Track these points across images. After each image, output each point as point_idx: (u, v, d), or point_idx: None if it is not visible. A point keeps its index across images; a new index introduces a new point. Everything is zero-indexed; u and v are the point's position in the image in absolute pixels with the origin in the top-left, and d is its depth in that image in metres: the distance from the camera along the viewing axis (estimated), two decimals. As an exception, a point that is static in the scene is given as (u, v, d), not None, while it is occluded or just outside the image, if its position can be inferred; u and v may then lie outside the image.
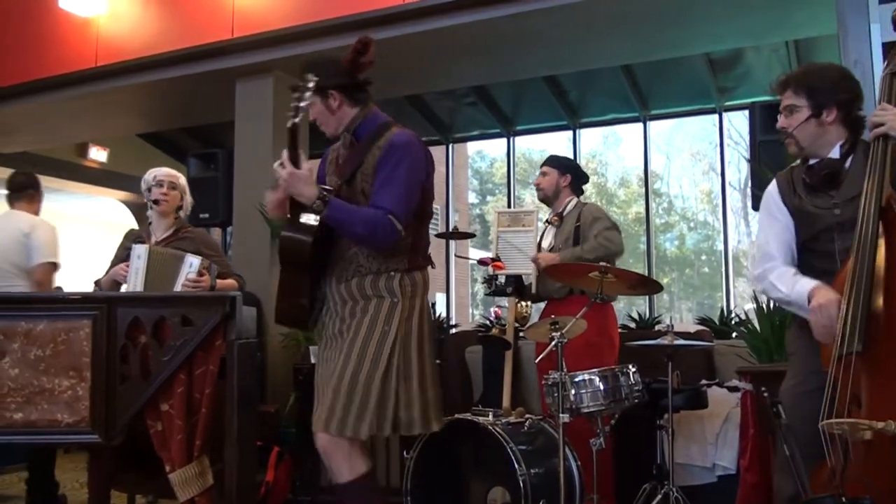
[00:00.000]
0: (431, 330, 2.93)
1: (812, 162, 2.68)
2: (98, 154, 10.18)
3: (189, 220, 6.20)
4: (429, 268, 2.97)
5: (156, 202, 4.01)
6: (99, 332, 3.17)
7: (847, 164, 2.62)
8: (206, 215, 6.29)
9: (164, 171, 4.10)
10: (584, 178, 4.52)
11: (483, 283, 4.15)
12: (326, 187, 2.81)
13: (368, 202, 2.78)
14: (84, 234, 13.81)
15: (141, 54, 6.49)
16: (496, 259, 4.12)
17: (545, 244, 4.41)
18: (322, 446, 2.77)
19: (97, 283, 4.05)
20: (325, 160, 3.09)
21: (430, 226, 3.04)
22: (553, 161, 4.50)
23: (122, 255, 4.00)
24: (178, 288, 3.76)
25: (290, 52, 5.87)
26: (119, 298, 3.31)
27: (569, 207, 4.41)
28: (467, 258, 7.83)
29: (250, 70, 6.21)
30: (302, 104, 2.74)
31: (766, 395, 2.57)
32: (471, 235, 5.15)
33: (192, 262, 3.79)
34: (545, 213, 4.69)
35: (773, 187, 2.74)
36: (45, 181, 10.56)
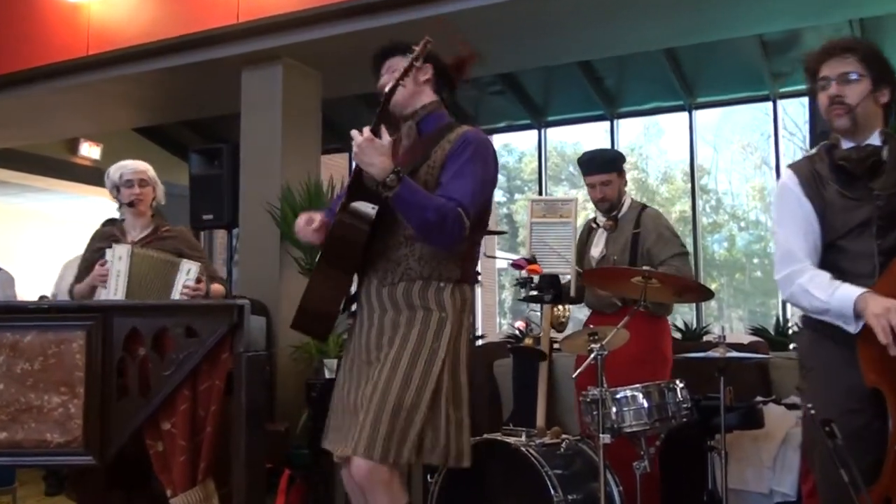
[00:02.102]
0: (471, 351, 2.89)
1: (847, 147, 2.59)
2: (90, 150, 10.29)
3: (191, 221, 6.31)
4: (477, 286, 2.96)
5: (130, 204, 4.02)
6: (93, 343, 3.19)
7: (884, 153, 2.57)
8: (210, 216, 6.32)
9: (129, 168, 4.08)
10: (625, 162, 4.44)
11: (516, 286, 4.06)
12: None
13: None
14: (74, 237, 13.94)
15: (137, 42, 6.55)
16: (531, 261, 4.02)
17: (595, 252, 4.31)
18: (360, 475, 2.68)
19: (70, 293, 4.06)
20: None
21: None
22: (611, 164, 4.30)
23: (94, 259, 4.00)
24: (175, 297, 3.79)
25: (299, 37, 5.90)
26: (116, 308, 3.32)
27: (624, 209, 4.30)
28: (497, 257, 7.73)
29: (257, 57, 6.25)
30: (417, 63, 2.74)
31: (812, 412, 2.50)
32: (501, 232, 5.07)
33: (190, 269, 3.81)
34: (583, 200, 4.58)
35: (789, 179, 2.62)
36: (32, 180, 10.80)
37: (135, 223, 4.08)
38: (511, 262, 4.09)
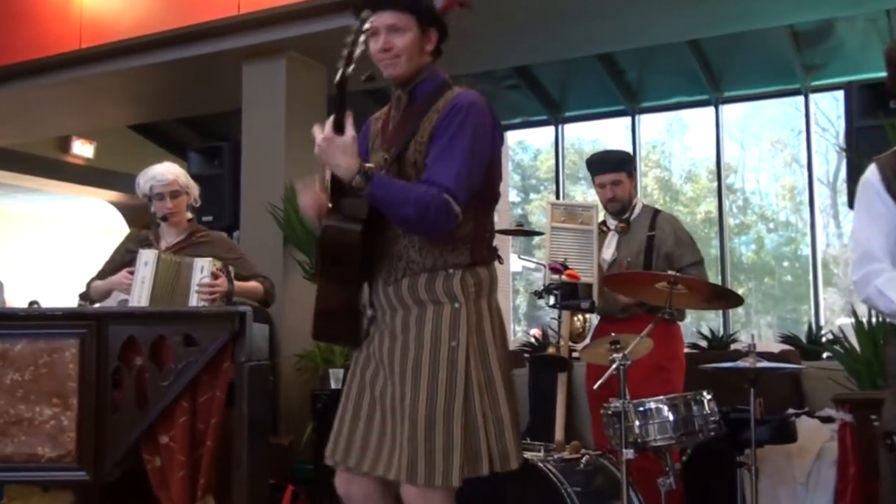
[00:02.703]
0: (505, 335, 2.75)
1: None
2: (83, 149, 10.32)
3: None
4: (496, 263, 2.80)
5: (163, 219, 4.04)
6: (87, 353, 3.21)
7: None
8: (209, 218, 6.32)
9: (159, 180, 4.03)
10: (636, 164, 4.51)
11: (544, 293, 4.01)
12: (369, 164, 2.61)
13: (420, 177, 2.63)
14: (66, 239, 14.02)
15: (132, 34, 6.56)
16: (566, 266, 3.98)
17: (606, 255, 4.33)
18: (410, 502, 2.60)
19: (88, 285, 4.06)
20: (367, 133, 2.90)
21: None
22: (623, 164, 4.38)
23: (123, 260, 4.02)
24: (192, 300, 3.77)
25: (304, 29, 5.91)
26: (111, 315, 3.35)
27: (636, 212, 4.36)
28: (528, 260, 7.67)
29: (259, 51, 6.26)
30: (358, 49, 2.53)
31: (875, 424, 2.49)
32: (538, 233, 4.96)
33: (203, 266, 3.81)
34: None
35: (873, 174, 2.59)
36: (22, 180, 10.85)
37: (170, 228, 4.11)
38: (549, 265, 4.03)
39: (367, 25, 2.56)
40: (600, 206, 4.44)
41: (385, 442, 2.63)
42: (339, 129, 2.55)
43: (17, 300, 10.88)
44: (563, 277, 3.93)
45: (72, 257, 11.03)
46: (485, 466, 2.58)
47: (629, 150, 7.96)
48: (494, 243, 2.83)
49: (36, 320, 3.33)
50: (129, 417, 3.20)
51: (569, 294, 3.92)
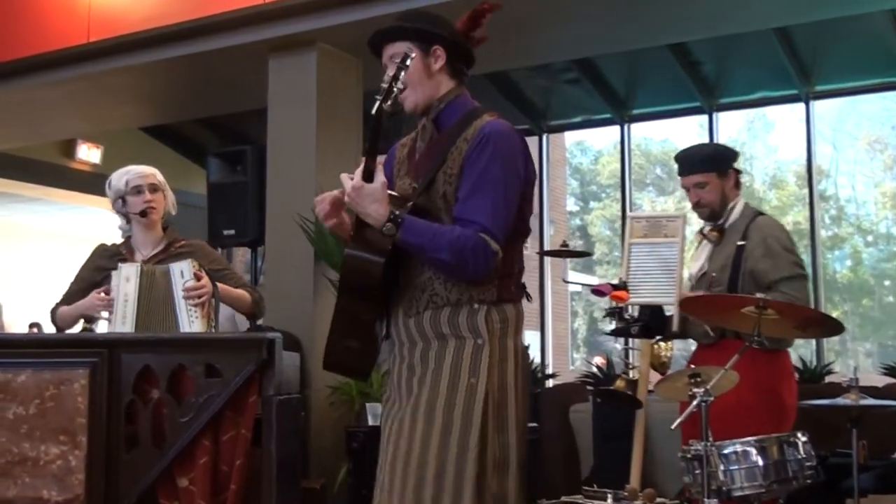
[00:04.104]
0: (526, 379, 2.90)
1: None
2: (89, 153, 10.50)
3: (209, 238, 6.38)
4: (524, 301, 2.93)
5: (143, 214, 4.03)
6: (98, 384, 3.24)
7: None
8: (231, 232, 6.38)
9: (136, 172, 4.10)
10: (738, 157, 4.36)
11: (606, 317, 4.01)
12: (393, 193, 2.78)
13: (450, 209, 2.78)
14: (70, 254, 14.17)
15: (145, 27, 6.65)
16: (619, 286, 3.98)
17: (694, 267, 4.26)
18: None
19: (52, 312, 4.06)
20: (392, 159, 3.08)
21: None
22: (709, 163, 4.22)
23: (94, 279, 4.03)
24: (181, 311, 3.78)
25: (338, 19, 5.96)
26: (124, 341, 3.38)
27: (734, 215, 4.19)
28: (573, 283, 7.70)
29: (287, 43, 6.32)
30: (402, 74, 2.66)
31: None
32: (585, 254, 5.04)
33: (183, 270, 3.82)
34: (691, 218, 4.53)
35: None
36: (22, 189, 11.02)
37: (145, 238, 4.10)
38: (593, 288, 4.04)
39: (409, 61, 2.69)
40: (691, 214, 4.39)
41: (396, 491, 2.71)
42: (368, 177, 2.69)
43: (16, 322, 11.08)
44: (610, 300, 3.95)
45: (77, 269, 11.19)
46: None
47: (717, 145, 7.83)
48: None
49: (41, 348, 3.37)
50: (145, 457, 3.22)
51: (647, 318, 3.91)
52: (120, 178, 4.10)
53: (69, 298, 4.04)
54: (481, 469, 2.68)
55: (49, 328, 4.19)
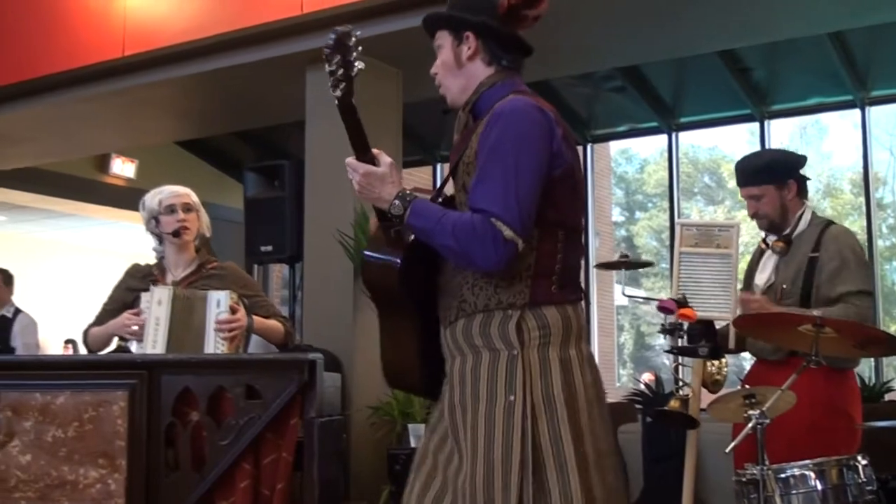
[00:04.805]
0: (596, 388, 2.67)
1: None
2: (123, 168, 10.63)
3: (246, 254, 6.44)
4: (580, 304, 2.72)
5: (175, 234, 4.07)
6: (137, 406, 3.27)
7: None
8: (269, 248, 6.43)
9: (170, 192, 4.15)
10: (803, 163, 4.31)
11: (662, 333, 3.95)
12: (410, 190, 2.65)
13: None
14: (104, 269, 14.30)
15: (181, 40, 6.74)
16: (682, 302, 3.89)
17: (760, 279, 4.18)
18: None
19: (85, 333, 4.10)
20: None
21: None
22: (766, 174, 4.16)
23: (125, 300, 4.07)
24: (209, 339, 3.82)
25: (377, 29, 5.99)
26: (164, 363, 3.40)
27: (801, 225, 4.13)
28: (634, 297, 7.63)
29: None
30: (356, 64, 2.61)
31: None
32: (647, 264, 4.92)
33: (220, 300, 3.85)
34: (749, 226, 4.48)
35: None
36: (56, 204, 11.15)
37: (177, 259, 4.14)
38: (658, 304, 3.96)
39: (351, 41, 2.64)
40: (745, 223, 4.36)
41: None
42: (365, 156, 2.62)
43: (51, 340, 11.20)
44: (676, 317, 3.86)
45: (110, 290, 11.32)
46: None
47: (777, 151, 7.76)
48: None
49: (80, 369, 3.40)
50: (184, 481, 3.24)
51: (699, 335, 3.85)
52: (153, 197, 4.15)
53: (101, 319, 4.08)
54: (524, 479, 2.51)
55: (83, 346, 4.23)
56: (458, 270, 2.65)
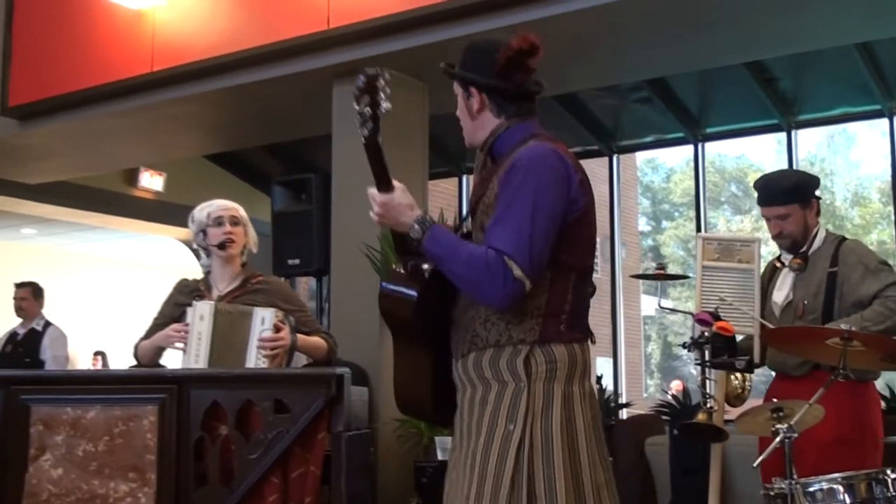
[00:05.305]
0: (595, 423, 2.76)
1: None
2: (152, 181, 10.69)
3: (274, 267, 6.47)
4: (587, 343, 2.82)
5: (221, 246, 4.09)
6: (167, 421, 3.29)
7: None
8: (296, 261, 6.45)
9: (218, 205, 4.19)
10: (819, 183, 4.28)
11: (692, 346, 3.92)
12: (429, 215, 2.79)
13: None
14: (132, 282, 14.43)
15: (208, 55, 6.79)
16: (716, 315, 3.88)
17: (778, 297, 4.21)
18: None
19: (136, 346, 4.15)
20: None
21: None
22: (792, 194, 4.18)
23: (174, 315, 4.11)
24: (251, 355, 3.84)
25: (403, 44, 6.03)
26: (192, 377, 3.43)
27: (817, 242, 4.19)
28: (672, 310, 7.61)
29: (352, 69, 6.29)
30: (384, 104, 2.75)
31: None
32: (682, 276, 4.90)
33: (264, 317, 3.87)
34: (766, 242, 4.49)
35: None
36: (85, 217, 11.25)
37: (223, 273, 4.17)
38: (695, 317, 3.96)
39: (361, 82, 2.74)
40: (765, 240, 4.37)
41: None
42: (386, 187, 2.75)
43: (80, 352, 11.29)
44: (714, 330, 3.85)
45: (139, 302, 11.42)
46: None
47: (796, 172, 7.77)
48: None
49: (110, 384, 3.43)
50: (213, 495, 3.25)
51: (723, 348, 3.84)
52: (202, 210, 4.17)
53: (150, 333, 4.12)
54: None
55: (114, 357, 4.28)
56: (472, 305, 2.76)
